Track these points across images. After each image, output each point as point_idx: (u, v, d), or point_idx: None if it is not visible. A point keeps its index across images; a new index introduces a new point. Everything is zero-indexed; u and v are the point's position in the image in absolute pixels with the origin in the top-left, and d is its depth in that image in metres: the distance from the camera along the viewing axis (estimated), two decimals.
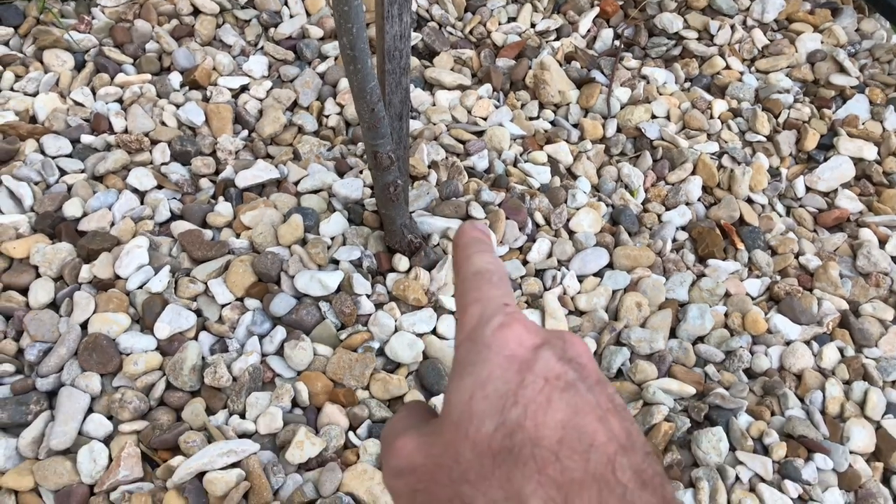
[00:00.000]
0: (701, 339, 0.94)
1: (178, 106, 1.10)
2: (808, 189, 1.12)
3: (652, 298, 0.95)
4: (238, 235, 0.97)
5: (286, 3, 1.25)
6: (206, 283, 0.90)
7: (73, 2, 1.19)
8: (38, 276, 0.91)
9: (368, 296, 0.91)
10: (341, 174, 1.05)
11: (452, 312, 0.92)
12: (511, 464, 0.27)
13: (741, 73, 1.25)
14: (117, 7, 1.20)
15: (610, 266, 0.99)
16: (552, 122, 1.16)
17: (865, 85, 1.23)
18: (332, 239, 0.96)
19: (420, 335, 0.89)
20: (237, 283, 0.90)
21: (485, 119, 1.15)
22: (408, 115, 0.87)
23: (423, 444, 0.30)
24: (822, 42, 1.28)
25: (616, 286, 0.96)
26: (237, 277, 0.90)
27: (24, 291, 0.89)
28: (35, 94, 1.09)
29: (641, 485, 0.26)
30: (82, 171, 1.02)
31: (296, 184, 1.03)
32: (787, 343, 0.93)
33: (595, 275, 0.98)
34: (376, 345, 0.88)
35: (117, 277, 0.90)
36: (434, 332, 0.89)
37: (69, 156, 1.03)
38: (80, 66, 1.13)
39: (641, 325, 0.93)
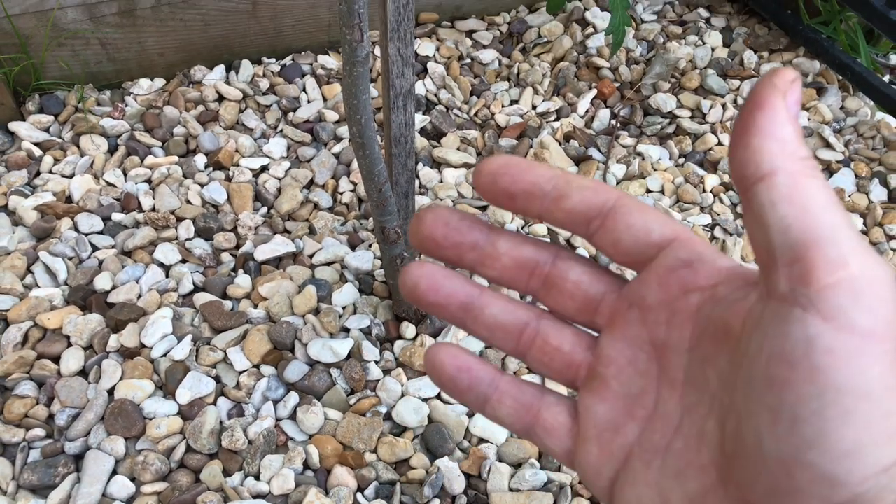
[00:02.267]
0: None
1: (202, 185, 1.19)
2: None
3: None
4: (256, 306, 1.03)
5: (304, 90, 1.34)
6: (225, 351, 0.96)
7: (109, 91, 1.30)
8: (70, 345, 0.97)
9: (377, 362, 0.96)
10: (353, 247, 1.12)
11: None
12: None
13: None
14: (148, 95, 1.30)
15: None
16: None
17: (850, 159, 1.29)
18: (344, 308, 1.02)
19: (425, 400, 0.93)
20: (254, 351, 0.96)
21: None
22: (414, 193, 0.94)
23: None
24: (808, 119, 1.35)
25: None
26: (254, 345, 0.96)
27: (56, 360, 0.96)
28: (71, 176, 1.18)
29: None
30: (113, 247, 1.09)
31: (311, 256, 1.10)
32: None
33: None
34: (384, 409, 0.93)
35: (143, 346, 0.97)
36: (438, 396, 0.94)
37: (101, 232, 1.11)
38: (112, 150, 1.23)
39: None
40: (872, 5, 1.26)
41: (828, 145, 1.30)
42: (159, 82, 1.32)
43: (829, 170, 1.28)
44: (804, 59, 1.45)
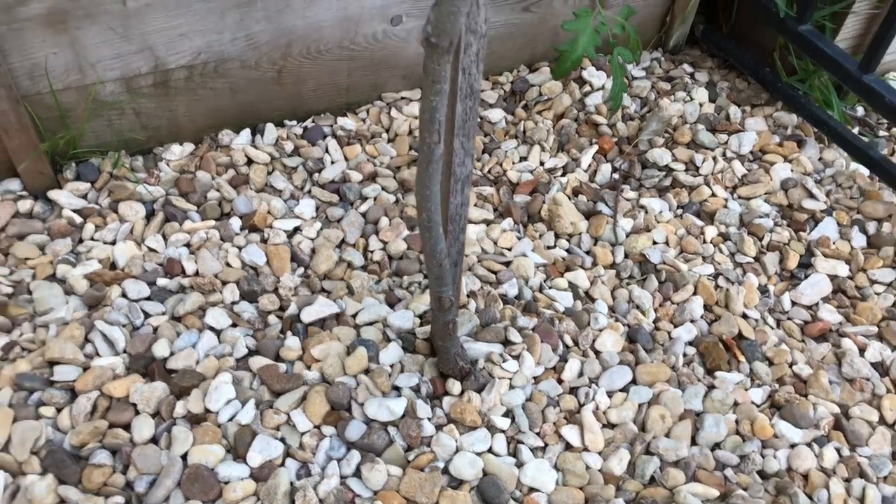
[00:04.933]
0: (718, 445, 1.08)
1: (240, 248, 1.25)
2: (793, 303, 1.29)
3: (672, 410, 1.09)
4: (309, 367, 1.10)
5: (327, 151, 1.42)
6: (288, 414, 1.03)
7: (142, 157, 1.35)
8: (137, 412, 1.02)
9: (429, 419, 1.04)
10: (392, 305, 1.20)
11: (503, 431, 1.05)
12: None
13: (726, 200, 1.44)
14: (180, 160, 1.35)
15: (633, 381, 1.13)
16: (567, 251, 1.33)
17: (832, 208, 1.43)
18: (392, 366, 1.10)
19: (478, 453, 1.02)
20: (315, 413, 1.03)
21: (510, 249, 1.31)
22: (461, 262, 1.02)
23: None
24: (791, 170, 1.48)
25: (641, 400, 1.11)
26: (314, 407, 1.03)
27: (126, 427, 1.01)
28: (113, 243, 1.23)
29: None
30: (163, 313, 1.15)
31: (353, 316, 1.17)
32: (792, 446, 1.08)
33: (621, 390, 1.12)
34: (441, 464, 1.01)
35: (208, 411, 1.03)
36: (490, 450, 1.03)
37: (149, 298, 1.17)
38: (150, 215, 1.28)
39: (667, 436, 1.07)
40: (846, 69, 1.40)
41: (811, 196, 1.43)
42: (188, 146, 1.38)
43: (814, 219, 1.41)
44: (783, 113, 1.59)
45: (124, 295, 1.16)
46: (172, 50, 1.25)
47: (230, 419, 1.02)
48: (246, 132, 1.41)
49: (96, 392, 1.03)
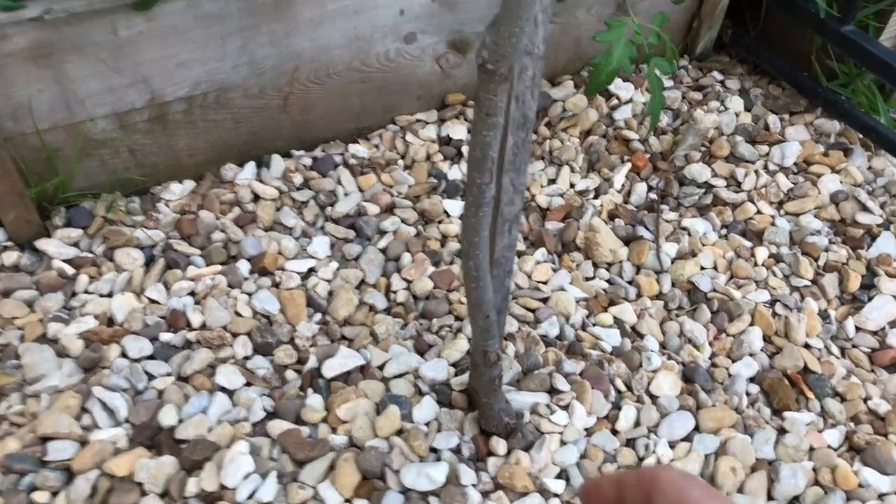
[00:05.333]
0: (797, 499, 0.96)
1: (250, 295, 1.13)
2: (857, 329, 1.18)
3: (743, 460, 0.98)
4: (335, 430, 0.98)
5: (339, 182, 1.30)
6: (315, 488, 0.91)
7: (138, 198, 1.23)
8: (144, 493, 0.90)
9: (475, 486, 0.93)
10: (421, 353, 1.08)
11: (558, 495, 0.93)
12: None
13: (773, 217, 1.32)
14: (181, 200, 1.24)
15: (696, 429, 1.02)
16: (608, 281, 1.21)
17: (889, 221, 1.32)
18: (427, 425, 0.98)
19: None
20: (345, 485, 0.91)
21: (545, 283, 1.19)
22: (507, 309, 0.91)
23: None
24: (840, 182, 1.37)
25: (707, 450, 0.99)
26: (344, 478, 0.91)
27: None
28: (110, 295, 1.11)
29: None
30: (169, 374, 1.03)
31: (380, 368, 1.05)
32: (881, 496, 0.96)
33: (684, 439, 1.01)
34: None
35: (224, 488, 0.91)
36: None
37: (152, 357, 1.05)
38: (149, 262, 1.16)
39: (739, 491, 0.95)
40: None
41: (865, 209, 1.32)
42: (189, 184, 1.27)
43: (870, 234, 1.30)
44: (824, 120, 1.48)
45: (124, 354, 1.05)
46: (169, 81, 1.14)
47: (250, 496, 0.90)
48: (251, 166, 1.29)
49: (96, 471, 0.91)
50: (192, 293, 1.13)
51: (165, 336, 1.07)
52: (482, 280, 0.75)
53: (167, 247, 1.17)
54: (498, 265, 0.83)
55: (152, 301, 1.12)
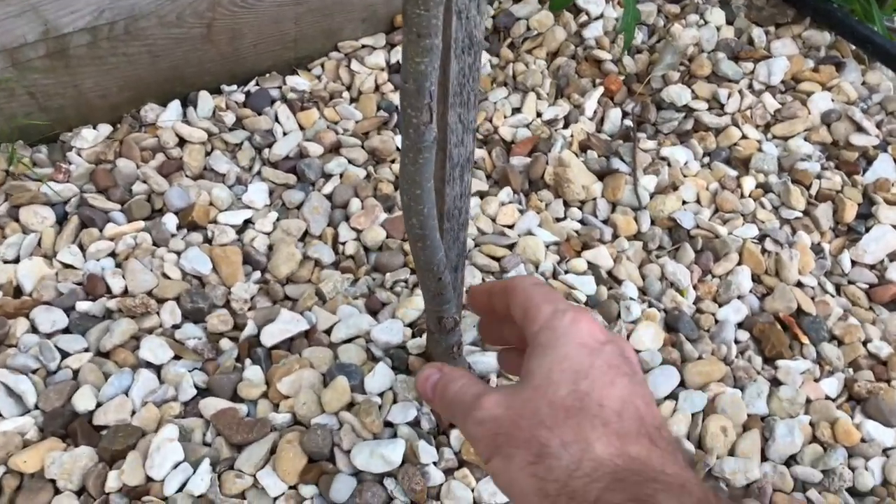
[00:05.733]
0: (794, 459, 0.87)
1: (179, 254, 1.00)
2: (854, 263, 1.08)
3: (734, 418, 0.88)
4: (277, 406, 0.87)
5: (277, 120, 1.16)
6: (254, 476, 0.80)
7: (45, 147, 1.08)
8: (58, 491, 0.79)
9: (436, 464, 0.82)
10: (374, 313, 0.96)
11: None
12: (581, 417, 0.35)
13: (759, 142, 1.20)
14: (95, 147, 1.09)
15: (682, 384, 0.92)
16: (581, 222, 1.09)
17: (886, 142, 1.20)
18: (381, 396, 0.87)
19: None
20: (289, 470, 0.80)
21: (511, 227, 1.07)
22: (463, 266, 0.79)
23: (503, 400, 0.38)
24: (832, 100, 1.25)
25: (694, 409, 0.89)
26: (288, 463, 0.80)
27: None
28: (17, 261, 0.98)
29: (676, 447, 0.37)
30: (86, 350, 0.90)
31: (327, 332, 0.94)
32: (885, 451, 0.87)
33: (668, 397, 0.91)
34: None
35: (150, 480, 0.79)
36: None
37: (66, 330, 0.92)
38: (61, 221, 1.02)
39: (730, 453, 0.86)
40: None
41: (860, 129, 1.20)
42: (105, 129, 1.11)
43: (865, 157, 1.18)
44: (814, 32, 1.34)
45: (34, 329, 0.92)
46: (65, 9, 0.97)
47: (179, 489, 0.79)
48: (175, 105, 1.14)
49: (1, 468, 0.80)
50: (113, 254, 1.00)
51: (83, 305, 0.94)
52: (429, 238, 0.62)
53: (81, 202, 1.03)
54: (450, 218, 0.71)
55: (66, 266, 0.98)
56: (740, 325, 1.00)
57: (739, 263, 1.05)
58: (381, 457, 0.80)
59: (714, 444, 0.86)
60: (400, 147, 0.57)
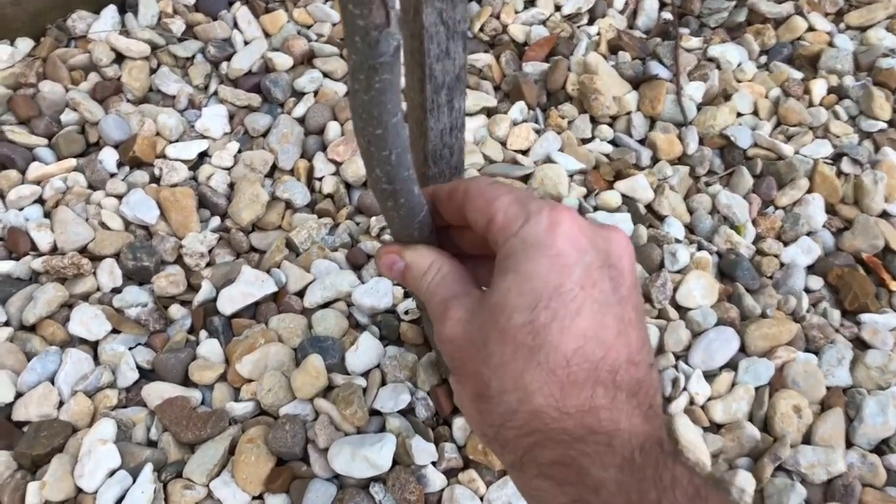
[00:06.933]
0: (886, 444, 0.69)
1: (119, 198, 0.82)
2: None
3: (808, 392, 0.70)
4: (238, 392, 0.70)
5: (236, 26, 0.95)
6: (207, 486, 0.64)
7: None
8: None
9: (435, 464, 0.65)
10: (357, 268, 0.78)
11: None
12: (527, 360, 0.33)
13: (830, 35, 0.98)
14: (12, 68, 0.89)
15: (742, 349, 0.74)
16: (612, 142, 0.89)
17: None
18: (367, 376, 0.70)
19: None
20: (251, 477, 0.64)
21: (526, 153, 0.87)
22: None
23: (464, 319, 0.36)
24: None
25: (758, 381, 0.71)
26: (249, 468, 0.64)
27: None
28: None
29: (632, 393, 0.33)
30: (6, 324, 0.74)
31: (300, 295, 0.76)
32: None
33: (725, 366, 0.73)
34: None
35: (80, 492, 0.64)
36: None
37: None
38: None
39: (806, 441, 0.69)
40: None
41: None
42: (24, 45, 0.91)
43: None
44: None
45: None
46: None
47: None
48: (110, 11, 0.93)
49: None
50: (39, 202, 0.82)
51: (3, 266, 0.77)
52: (403, 195, 0.43)
53: None
54: (437, 159, 0.51)
55: None
56: (812, 270, 0.81)
57: (810, 191, 0.84)
58: (365, 461, 0.63)
59: (785, 429, 0.68)
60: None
